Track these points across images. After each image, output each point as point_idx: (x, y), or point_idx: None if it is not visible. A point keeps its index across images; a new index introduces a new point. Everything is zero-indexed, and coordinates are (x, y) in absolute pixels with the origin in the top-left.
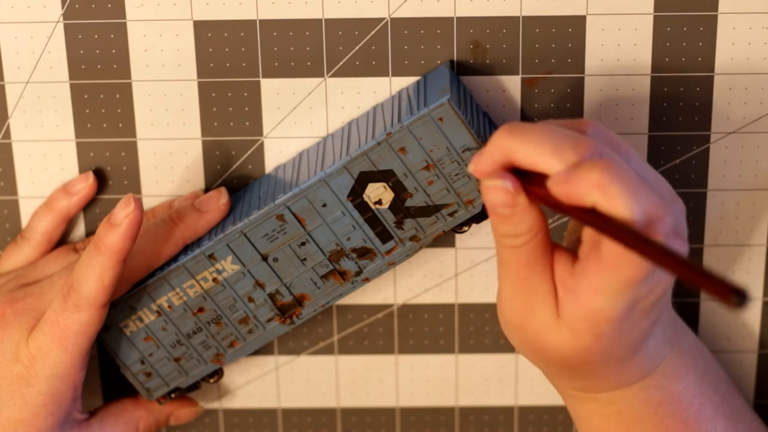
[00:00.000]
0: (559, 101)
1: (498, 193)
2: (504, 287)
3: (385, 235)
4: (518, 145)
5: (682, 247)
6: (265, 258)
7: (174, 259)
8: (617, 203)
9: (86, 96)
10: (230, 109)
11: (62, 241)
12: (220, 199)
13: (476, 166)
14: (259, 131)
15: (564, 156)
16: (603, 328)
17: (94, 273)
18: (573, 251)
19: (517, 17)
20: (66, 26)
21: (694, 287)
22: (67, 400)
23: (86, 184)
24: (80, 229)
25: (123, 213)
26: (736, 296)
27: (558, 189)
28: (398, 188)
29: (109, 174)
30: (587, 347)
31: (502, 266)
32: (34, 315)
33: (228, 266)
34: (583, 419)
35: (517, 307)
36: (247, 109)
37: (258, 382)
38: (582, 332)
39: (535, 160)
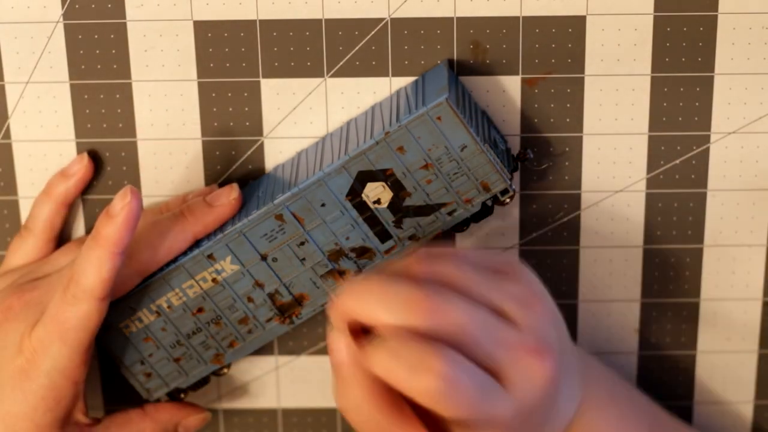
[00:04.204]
0: (559, 101)
1: (337, 350)
2: None
3: (384, 235)
4: (357, 306)
5: (537, 361)
6: (264, 258)
7: (173, 259)
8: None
9: (86, 96)
10: (230, 109)
11: (63, 235)
12: (231, 194)
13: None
14: (259, 131)
15: (398, 315)
16: None
17: (92, 265)
18: None
19: (517, 17)
20: (66, 26)
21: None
22: (66, 396)
23: (82, 166)
24: (82, 226)
25: (120, 204)
26: None
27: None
28: (397, 187)
29: (109, 174)
30: None
31: None
32: (40, 308)
33: (227, 266)
34: None
35: None
36: (247, 109)
37: (258, 382)
38: None
39: (375, 320)
